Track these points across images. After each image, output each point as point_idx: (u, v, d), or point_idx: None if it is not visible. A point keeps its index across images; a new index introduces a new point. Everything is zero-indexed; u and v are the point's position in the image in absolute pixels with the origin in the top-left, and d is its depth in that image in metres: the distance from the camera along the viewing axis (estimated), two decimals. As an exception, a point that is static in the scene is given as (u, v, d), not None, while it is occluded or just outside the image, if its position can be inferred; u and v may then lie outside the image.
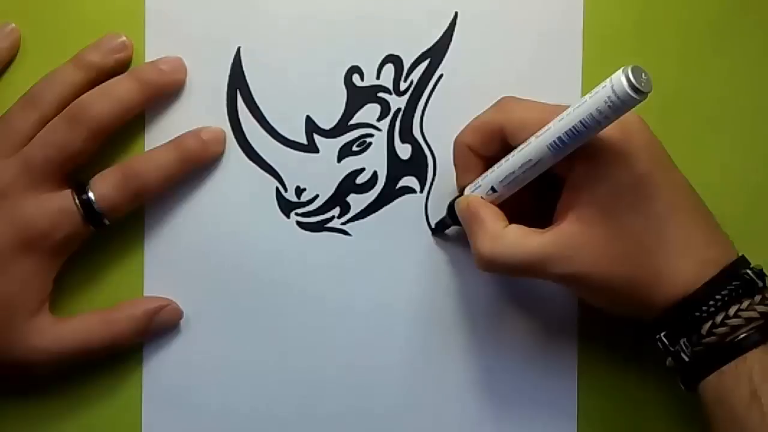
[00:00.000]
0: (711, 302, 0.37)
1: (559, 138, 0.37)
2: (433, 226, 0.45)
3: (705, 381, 0.38)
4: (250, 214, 0.45)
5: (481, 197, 0.41)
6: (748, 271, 0.38)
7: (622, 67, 0.35)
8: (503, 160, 0.40)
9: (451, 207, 0.43)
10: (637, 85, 0.34)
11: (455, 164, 0.43)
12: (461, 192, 0.42)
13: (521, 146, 0.39)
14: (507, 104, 0.41)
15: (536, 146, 0.38)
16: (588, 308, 0.43)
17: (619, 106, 0.35)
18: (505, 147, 0.40)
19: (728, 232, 0.40)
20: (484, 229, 0.40)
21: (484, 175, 0.41)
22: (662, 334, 0.39)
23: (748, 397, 0.36)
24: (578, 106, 0.36)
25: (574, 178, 0.39)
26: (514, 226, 0.40)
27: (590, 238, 0.38)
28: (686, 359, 0.38)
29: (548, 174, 0.39)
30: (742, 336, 0.37)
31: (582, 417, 0.45)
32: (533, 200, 0.42)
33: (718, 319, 0.37)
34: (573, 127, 0.36)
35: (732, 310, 0.37)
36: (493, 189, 0.40)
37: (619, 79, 0.34)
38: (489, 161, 0.41)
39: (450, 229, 0.45)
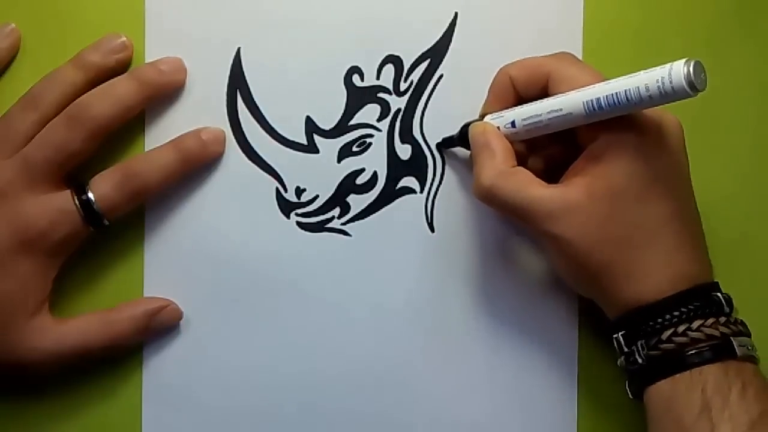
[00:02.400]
0: (676, 312, 0.38)
1: (598, 99, 0.37)
2: (439, 140, 0.45)
3: (655, 387, 0.38)
4: (250, 215, 0.45)
5: (498, 128, 0.41)
6: (719, 294, 0.39)
7: (687, 58, 0.34)
8: (535, 102, 0.40)
9: (464, 128, 0.43)
10: (693, 80, 0.34)
11: (490, 89, 0.43)
12: (481, 118, 0.43)
13: (558, 94, 0.39)
14: (565, 57, 0.41)
15: (572, 98, 0.38)
16: (588, 308, 0.43)
17: (668, 92, 0.35)
18: (544, 96, 0.40)
19: (728, 230, 0.40)
20: (492, 161, 0.40)
21: (510, 108, 0.41)
22: (620, 333, 0.39)
23: (698, 408, 0.36)
24: (629, 77, 0.36)
25: (596, 148, 0.39)
26: (521, 169, 0.40)
27: (588, 211, 0.38)
28: (640, 361, 0.38)
29: (569, 137, 0.40)
30: (698, 350, 0.37)
31: (582, 419, 0.45)
32: (544, 155, 0.42)
33: (681, 329, 0.37)
34: (615, 93, 0.36)
35: (695, 324, 0.37)
36: (513, 124, 0.40)
37: (680, 67, 0.34)
38: (521, 102, 0.41)
39: (455, 148, 0.45)
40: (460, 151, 0.45)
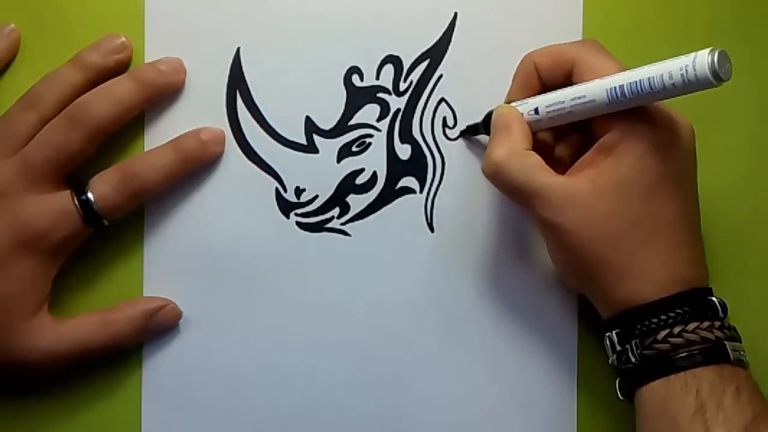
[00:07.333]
0: (672, 313, 0.38)
1: (621, 87, 0.37)
2: (464, 128, 0.45)
3: (648, 387, 0.38)
4: (249, 215, 0.45)
5: (522, 115, 0.41)
6: (713, 298, 0.39)
7: (712, 47, 0.34)
8: (558, 90, 0.40)
9: (488, 116, 0.43)
10: (717, 70, 0.34)
11: (514, 76, 0.43)
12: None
13: (582, 83, 0.39)
14: (591, 45, 0.41)
15: (596, 86, 0.38)
16: (589, 308, 0.43)
17: (691, 81, 0.34)
18: (567, 84, 0.40)
19: (730, 231, 0.40)
20: (508, 140, 0.40)
21: (535, 96, 0.41)
22: (614, 332, 0.39)
23: (693, 409, 0.36)
24: (653, 65, 0.36)
25: (607, 141, 0.39)
26: (533, 153, 0.40)
27: (592, 204, 0.38)
28: (634, 360, 0.38)
29: (585, 129, 0.40)
30: (692, 352, 0.37)
31: (582, 419, 0.45)
32: (571, 145, 0.43)
33: (676, 330, 0.37)
34: (639, 81, 0.36)
35: (691, 326, 0.38)
36: (536, 111, 0.40)
37: (704, 56, 0.34)
38: (545, 90, 0.41)
39: (479, 136, 0.45)
40: (459, 151, 0.45)
